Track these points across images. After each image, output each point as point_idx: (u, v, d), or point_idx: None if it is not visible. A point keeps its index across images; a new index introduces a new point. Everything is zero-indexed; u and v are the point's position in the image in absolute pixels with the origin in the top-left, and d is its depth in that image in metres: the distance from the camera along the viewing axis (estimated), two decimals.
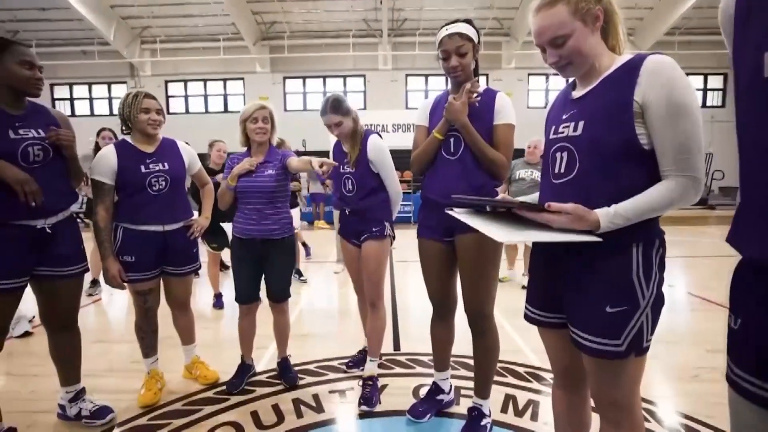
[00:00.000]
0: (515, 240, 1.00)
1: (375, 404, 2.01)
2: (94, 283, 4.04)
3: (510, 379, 2.27)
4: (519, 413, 1.96)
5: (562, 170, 1.04)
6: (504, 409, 1.99)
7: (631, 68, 0.96)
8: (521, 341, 2.73)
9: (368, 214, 2.09)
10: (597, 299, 1.00)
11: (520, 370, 2.37)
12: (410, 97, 13.14)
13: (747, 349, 0.72)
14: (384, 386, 2.20)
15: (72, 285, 1.77)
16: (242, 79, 13.42)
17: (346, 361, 2.45)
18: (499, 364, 2.37)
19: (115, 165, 1.88)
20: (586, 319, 1.03)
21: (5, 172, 1.45)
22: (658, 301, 0.99)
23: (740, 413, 0.75)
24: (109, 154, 1.89)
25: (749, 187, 0.70)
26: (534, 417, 1.92)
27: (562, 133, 1.06)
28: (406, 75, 13.05)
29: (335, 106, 2.00)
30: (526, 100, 13.20)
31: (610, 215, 0.94)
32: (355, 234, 2.17)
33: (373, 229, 2.08)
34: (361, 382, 2.13)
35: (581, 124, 1.01)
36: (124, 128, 1.98)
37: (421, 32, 12.13)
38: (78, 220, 1.90)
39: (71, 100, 13.68)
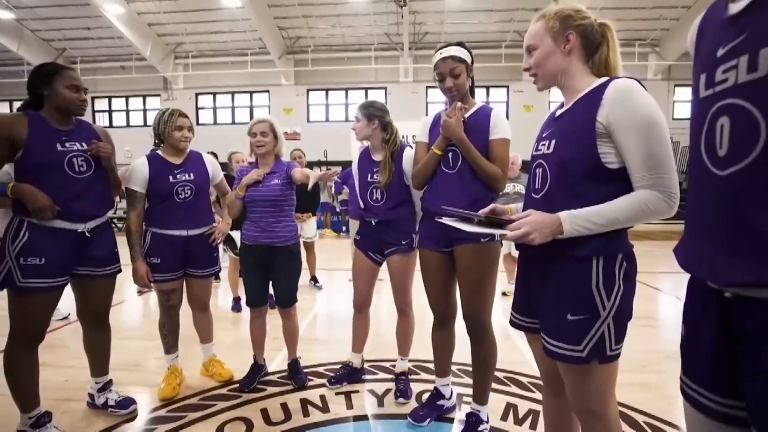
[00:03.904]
0: (474, 230, 1.09)
1: (410, 397, 2.18)
2: None
3: (513, 389, 2.30)
4: (519, 422, 1.99)
5: (538, 186, 1.13)
6: (504, 417, 2.03)
7: (597, 91, 1.03)
8: (528, 352, 2.75)
9: (397, 226, 2.12)
10: (559, 307, 1.06)
11: (524, 380, 2.40)
12: (430, 108, 13.25)
13: (693, 359, 0.77)
14: (388, 390, 2.28)
15: (105, 284, 1.95)
16: (267, 91, 13.91)
17: (330, 376, 2.39)
18: (503, 374, 2.42)
19: (147, 175, 2.08)
20: (550, 325, 1.10)
21: (29, 196, 1.62)
22: (623, 313, 1.03)
23: (688, 418, 0.79)
24: (141, 166, 2.10)
25: (687, 199, 0.77)
26: (533, 426, 1.95)
27: (540, 150, 1.14)
28: (427, 87, 13.20)
29: (363, 105, 2.15)
30: (549, 112, 13.09)
31: (572, 216, 1.00)
32: (378, 247, 2.19)
33: (403, 242, 2.12)
34: (394, 378, 2.32)
35: (553, 142, 1.09)
36: (156, 141, 2.18)
37: (442, 45, 12.27)
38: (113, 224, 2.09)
39: (110, 112, 14.52)
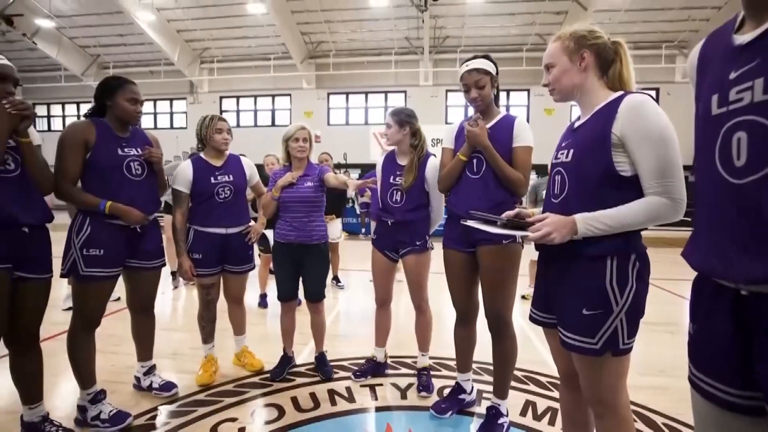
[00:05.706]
0: (498, 231, 1.21)
1: (432, 391, 2.27)
2: (174, 274, 4.58)
3: (531, 387, 2.37)
4: (537, 417, 2.06)
5: (557, 191, 1.22)
6: (523, 413, 2.10)
7: (612, 105, 1.12)
8: (546, 352, 2.80)
9: (413, 227, 2.24)
10: (576, 302, 1.15)
11: (543, 379, 2.47)
12: (450, 112, 13.33)
13: (702, 353, 0.83)
14: (410, 384, 2.38)
15: (152, 276, 2.12)
16: (289, 95, 14.26)
17: (354, 369, 2.50)
18: (521, 373, 2.49)
19: (191, 177, 2.25)
20: (567, 319, 1.18)
21: (126, 214, 1.86)
22: (635, 310, 1.11)
23: (700, 411, 0.87)
24: (186, 168, 2.27)
25: (697, 205, 0.83)
26: (552, 422, 2.02)
27: (559, 159, 1.23)
28: (446, 91, 13.27)
29: (394, 112, 2.27)
30: (570, 115, 12.95)
31: (586, 218, 1.09)
32: (393, 246, 2.32)
33: (417, 243, 2.24)
34: (416, 374, 2.42)
35: (571, 152, 1.18)
36: (199, 145, 2.35)
37: (462, 49, 12.34)
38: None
39: None
